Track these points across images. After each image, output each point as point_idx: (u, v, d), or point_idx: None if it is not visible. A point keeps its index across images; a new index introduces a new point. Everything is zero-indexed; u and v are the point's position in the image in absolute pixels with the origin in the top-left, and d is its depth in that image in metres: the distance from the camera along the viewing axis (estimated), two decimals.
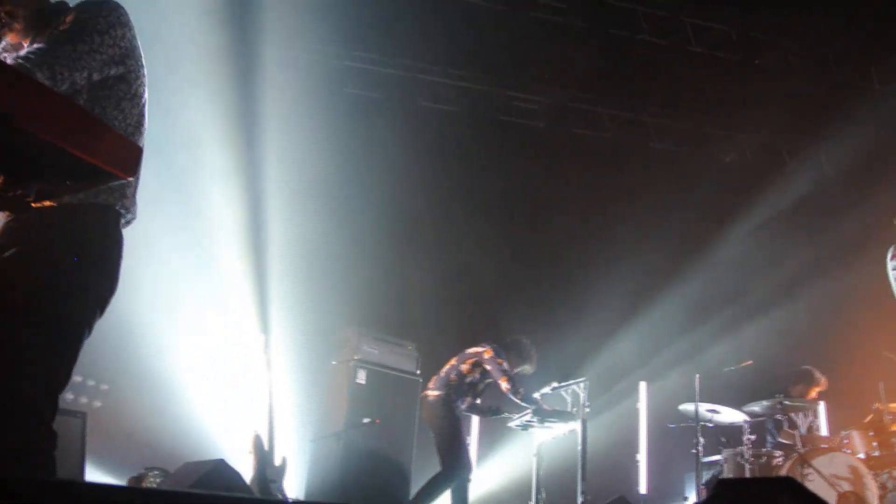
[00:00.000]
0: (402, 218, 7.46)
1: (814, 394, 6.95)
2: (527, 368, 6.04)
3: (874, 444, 6.36)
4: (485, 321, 7.36)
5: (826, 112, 8.34)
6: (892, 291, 3.80)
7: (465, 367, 5.87)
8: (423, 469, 6.04)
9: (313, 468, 6.48)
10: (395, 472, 6.55)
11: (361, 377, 6.48)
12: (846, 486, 5.96)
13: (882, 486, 6.20)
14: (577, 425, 5.96)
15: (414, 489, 6.34)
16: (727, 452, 6.72)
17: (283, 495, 5.38)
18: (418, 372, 6.89)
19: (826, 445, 6.48)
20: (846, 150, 8.62)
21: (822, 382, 6.94)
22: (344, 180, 7.35)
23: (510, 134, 8.19)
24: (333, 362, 6.71)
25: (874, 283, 3.82)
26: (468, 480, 5.78)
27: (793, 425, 6.82)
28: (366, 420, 6.38)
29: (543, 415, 5.83)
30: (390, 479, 6.47)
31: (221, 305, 6.42)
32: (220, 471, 4.29)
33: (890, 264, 3.72)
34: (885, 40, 7.56)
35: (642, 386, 6.99)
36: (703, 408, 6.53)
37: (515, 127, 8.25)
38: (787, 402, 6.43)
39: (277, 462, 5.47)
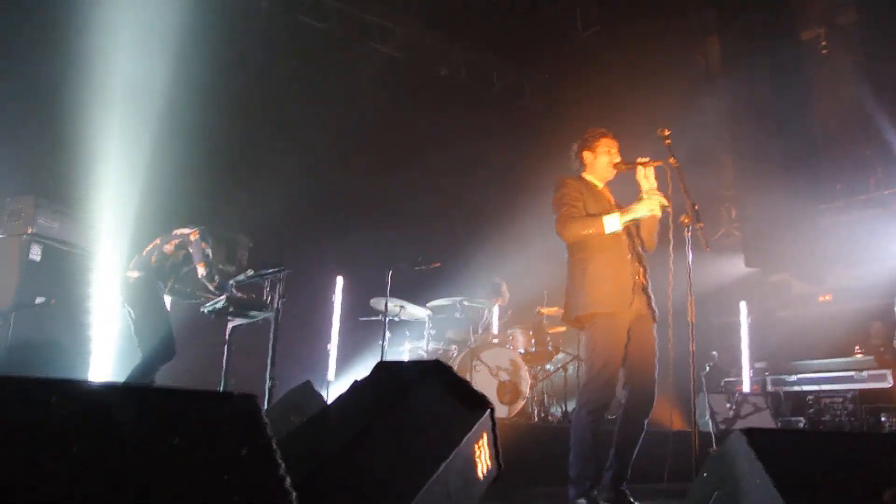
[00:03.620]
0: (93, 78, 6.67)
1: (497, 303, 7.73)
2: (230, 269, 5.92)
3: (532, 341, 7.29)
4: (184, 205, 6.94)
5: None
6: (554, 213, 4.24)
7: (168, 248, 5.60)
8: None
9: None
10: (72, 354, 6.12)
11: (35, 253, 5.85)
12: (506, 377, 6.81)
13: (534, 377, 7.19)
14: (270, 314, 6.02)
15: (93, 370, 6.02)
16: (410, 344, 7.29)
17: None
18: (99, 248, 6.36)
19: (495, 341, 7.31)
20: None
21: (506, 296, 7.75)
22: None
23: None
24: (2, 235, 5.96)
25: (547, 203, 4.27)
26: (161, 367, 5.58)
27: (470, 322, 7.55)
28: (39, 300, 5.83)
29: (237, 303, 5.80)
30: (66, 361, 6.03)
31: None
32: None
33: (552, 197, 4.16)
34: None
35: (339, 279, 7.22)
36: (393, 303, 6.96)
37: None
38: (465, 302, 7.09)
39: None
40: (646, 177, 4.06)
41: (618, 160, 4.14)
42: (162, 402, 1.04)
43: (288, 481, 0.95)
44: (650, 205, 3.91)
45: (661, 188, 4.04)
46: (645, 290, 4.01)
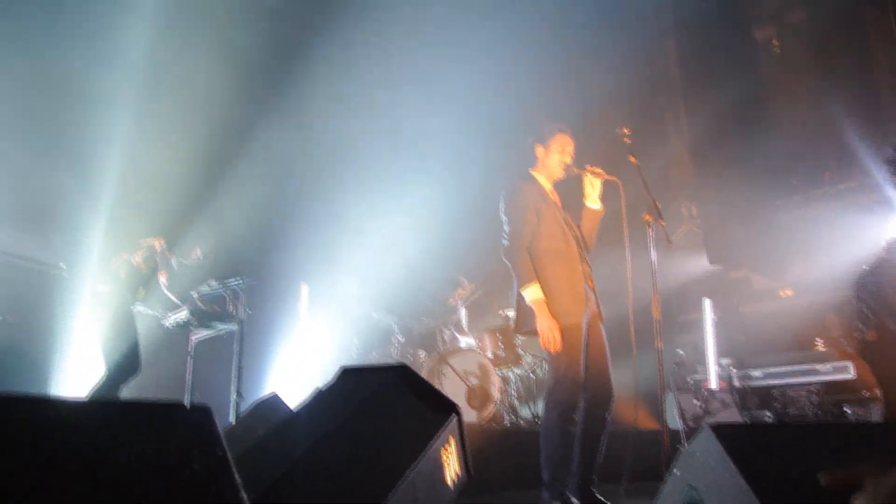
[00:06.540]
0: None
1: (458, 294, 7.69)
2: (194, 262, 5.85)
3: (501, 345, 7.28)
4: (146, 220, 6.76)
5: None
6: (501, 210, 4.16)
7: (136, 260, 5.50)
8: None
9: None
10: (33, 372, 5.96)
11: None
12: (475, 381, 6.78)
13: (504, 380, 7.18)
14: (234, 325, 5.93)
15: (54, 387, 5.87)
16: (380, 351, 7.24)
17: None
18: (62, 265, 6.22)
19: (463, 345, 7.28)
20: None
21: (467, 287, 7.73)
22: None
23: None
24: None
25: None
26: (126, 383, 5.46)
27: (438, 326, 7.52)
28: None
29: (200, 315, 5.71)
30: (26, 377, 5.86)
31: None
32: None
33: (501, 206, 4.07)
34: None
35: (304, 288, 7.15)
36: (359, 310, 6.92)
37: None
38: (431, 306, 7.07)
39: None
40: (591, 184, 4.04)
41: (569, 162, 4.06)
42: (112, 415, 0.99)
43: (243, 493, 0.91)
44: (544, 331, 3.80)
45: (613, 200, 4.03)
46: (594, 291, 4.04)
